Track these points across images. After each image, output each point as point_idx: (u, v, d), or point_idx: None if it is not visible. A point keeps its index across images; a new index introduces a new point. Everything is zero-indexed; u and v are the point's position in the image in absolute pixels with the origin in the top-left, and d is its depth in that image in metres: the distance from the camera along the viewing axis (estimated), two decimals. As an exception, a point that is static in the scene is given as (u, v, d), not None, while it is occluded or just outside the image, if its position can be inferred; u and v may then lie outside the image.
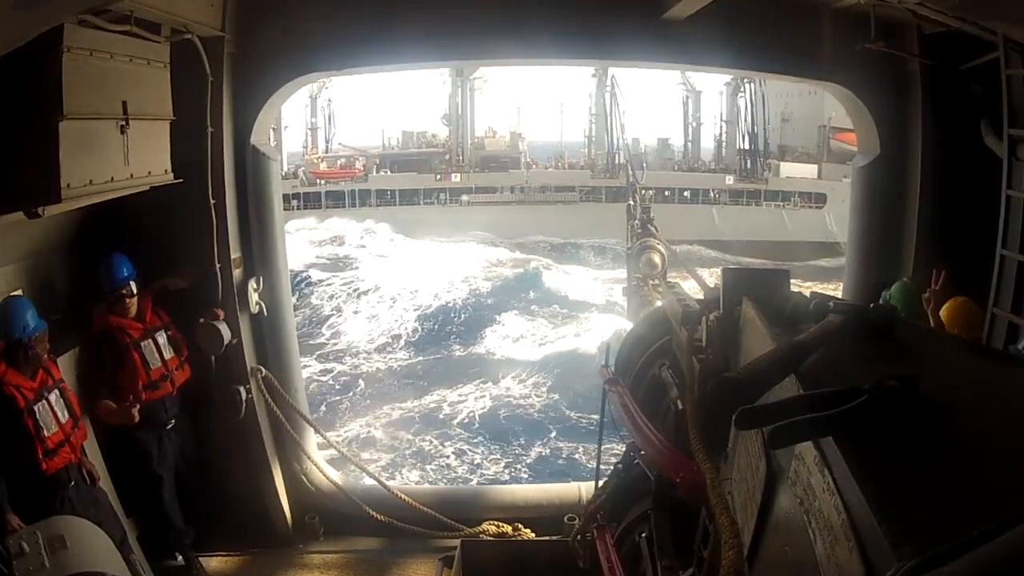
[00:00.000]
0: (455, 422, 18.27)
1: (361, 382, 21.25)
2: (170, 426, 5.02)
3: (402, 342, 25.32)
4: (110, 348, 4.79)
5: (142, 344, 4.87)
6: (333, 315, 27.95)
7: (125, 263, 4.83)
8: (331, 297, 29.52)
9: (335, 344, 25.16)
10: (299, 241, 37.54)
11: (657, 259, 5.50)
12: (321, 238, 39.36)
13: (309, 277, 30.87)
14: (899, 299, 4.34)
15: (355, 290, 29.84)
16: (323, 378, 21.54)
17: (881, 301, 4.35)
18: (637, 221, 6.20)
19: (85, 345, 4.81)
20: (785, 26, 5.46)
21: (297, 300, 28.64)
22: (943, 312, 4.06)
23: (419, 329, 26.24)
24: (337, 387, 20.92)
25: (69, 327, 4.74)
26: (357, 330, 26.45)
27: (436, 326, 26.51)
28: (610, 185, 40.04)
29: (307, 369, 21.71)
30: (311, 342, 24.80)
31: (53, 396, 4.19)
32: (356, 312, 28.14)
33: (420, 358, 23.84)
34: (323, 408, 18.86)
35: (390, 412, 18.83)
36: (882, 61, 5.28)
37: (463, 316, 27.20)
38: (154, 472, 4.94)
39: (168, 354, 5.02)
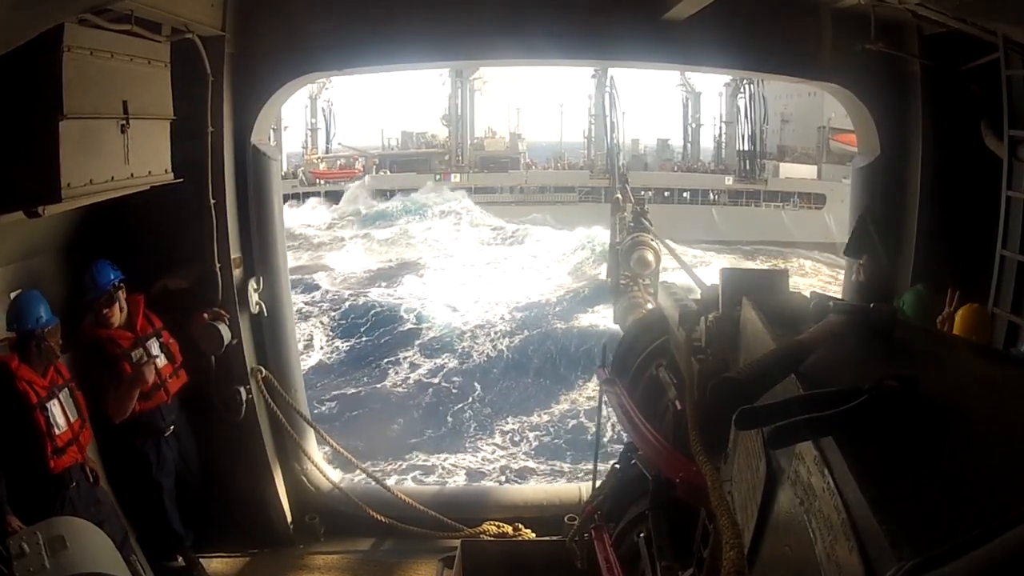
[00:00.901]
0: (606, 439, 16.22)
1: (477, 385, 19.44)
2: (168, 432, 4.95)
3: (498, 329, 23.82)
4: (101, 360, 4.68)
5: (132, 354, 4.75)
6: (405, 300, 27.06)
7: (104, 271, 4.68)
8: (401, 298, 28.38)
9: (429, 333, 23.84)
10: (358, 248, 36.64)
11: (651, 257, 4.84)
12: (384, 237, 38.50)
13: (378, 304, 28.14)
14: (912, 306, 4.31)
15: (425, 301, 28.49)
16: (434, 379, 20.01)
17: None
18: (628, 214, 5.54)
19: (76, 356, 4.72)
20: (785, 27, 5.46)
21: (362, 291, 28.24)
22: (957, 318, 4.00)
23: (512, 318, 24.84)
24: (455, 391, 19.17)
25: (69, 328, 4.73)
26: (445, 318, 25.08)
27: (531, 314, 25.14)
28: (609, 186, 40.01)
29: (418, 370, 20.79)
30: (401, 328, 24.04)
31: (63, 395, 4.20)
32: (438, 294, 27.39)
33: (525, 334, 22.43)
34: (449, 419, 17.45)
35: (524, 430, 17.13)
36: (882, 62, 5.28)
37: (554, 299, 26.23)
38: (154, 479, 4.87)
39: (161, 362, 4.89)
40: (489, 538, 5.46)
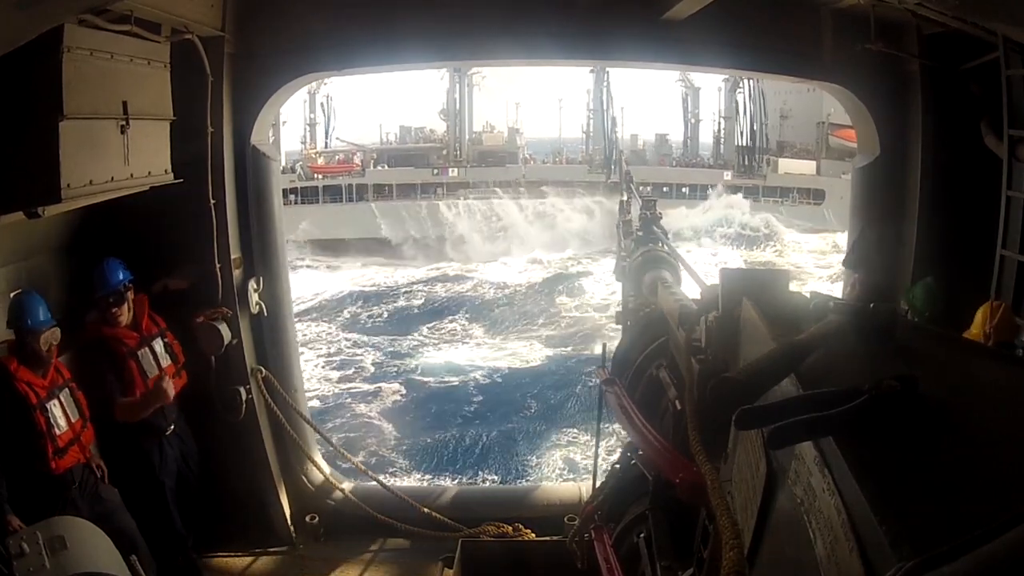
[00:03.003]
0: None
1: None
2: (169, 432, 4.95)
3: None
4: (106, 357, 4.68)
5: (139, 353, 4.77)
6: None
7: (115, 269, 4.68)
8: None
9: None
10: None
11: (669, 277, 3.73)
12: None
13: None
14: (921, 299, 4.32)
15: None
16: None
17: (903, 301, 4.33)
18: (636, 220, 4.64)
19: (79, 353, 4.72)
20: (785, 26, 5.47)
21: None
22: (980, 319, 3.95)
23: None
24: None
25: (69, 328, 4.72)
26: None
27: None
28: (607, 181, 40.01)
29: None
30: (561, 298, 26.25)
31: (63, 395, 4.20)
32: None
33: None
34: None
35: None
36: (882, 62, 5.29)
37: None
38: (156, 479, 4.87)
39: (165, 362, 4.91)
40: (489, 538, 5.46)
